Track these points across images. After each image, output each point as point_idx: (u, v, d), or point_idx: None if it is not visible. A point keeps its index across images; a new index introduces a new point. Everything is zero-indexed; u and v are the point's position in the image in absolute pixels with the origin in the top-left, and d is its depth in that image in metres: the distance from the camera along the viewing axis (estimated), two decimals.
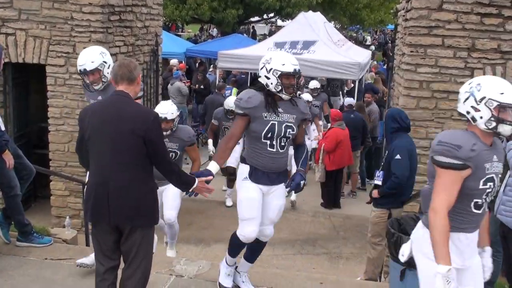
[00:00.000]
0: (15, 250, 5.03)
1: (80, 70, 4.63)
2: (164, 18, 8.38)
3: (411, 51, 5.90)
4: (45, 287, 4.46)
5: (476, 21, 5.71)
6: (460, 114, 3.06)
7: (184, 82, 13.67)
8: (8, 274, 4.62)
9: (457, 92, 5.64)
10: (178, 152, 5.80)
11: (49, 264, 4.85)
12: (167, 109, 5.60)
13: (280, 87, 3.87)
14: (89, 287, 4.19)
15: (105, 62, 4.55)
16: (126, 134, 3.34)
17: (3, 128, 4.82)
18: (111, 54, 6.73)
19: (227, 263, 4.34)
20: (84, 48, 6.51)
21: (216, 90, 11.36)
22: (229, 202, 8.95)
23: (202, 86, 14.01)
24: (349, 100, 10.37)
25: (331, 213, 9.00)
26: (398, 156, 5.27)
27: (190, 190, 3.70)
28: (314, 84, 10.80)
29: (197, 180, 3.68)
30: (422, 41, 5.84)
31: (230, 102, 7.96)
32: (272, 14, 26.91)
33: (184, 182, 3.69)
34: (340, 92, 13.26)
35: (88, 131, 3.45)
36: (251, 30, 33.92)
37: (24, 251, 5.04)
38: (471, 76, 5.80)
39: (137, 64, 3.61)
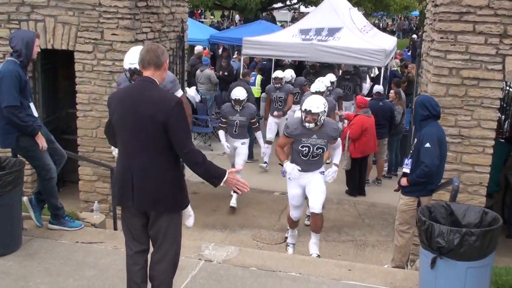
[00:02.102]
0: (47, 233, 5.14)
1: (130, 68, 4.76)
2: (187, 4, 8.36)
3: (441, 38, 5.81)
4: (77, 269, 4.54)
5: (509, 7, 5.60)
6: None
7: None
8: (41, 257, 4.72)
9: (488, 80, 5.73)
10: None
11: (81, 247, 4.94)
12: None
13: None
14: (120, 270, 4.27)
15: None
16: (147, 119, 3.35)
17: (36, 114, 4.93)
18: (138, 41, 6.84)
19: None
20: (112, 34, 6.66)
21: (241, 77, 11.34)
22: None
23: (226, 73, 14.02)
24: (378, 88, 10.05)
25: (356, 200, 8.98)
26: (427, 144, 5.17)
27: (222, 184, 3.47)
28: (317, 86, 8.78)
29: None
30: (453, 27, 5.75)
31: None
32: (295, 0, 26.73)
33: (212, 176, 3.46)
34: (354, 95, 12.27)
35: (113, 116, 3.50)
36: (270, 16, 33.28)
37: (56, 234, 5.13)
38: (503, 63, 5.71)
39: (165, 49, 3.60)
